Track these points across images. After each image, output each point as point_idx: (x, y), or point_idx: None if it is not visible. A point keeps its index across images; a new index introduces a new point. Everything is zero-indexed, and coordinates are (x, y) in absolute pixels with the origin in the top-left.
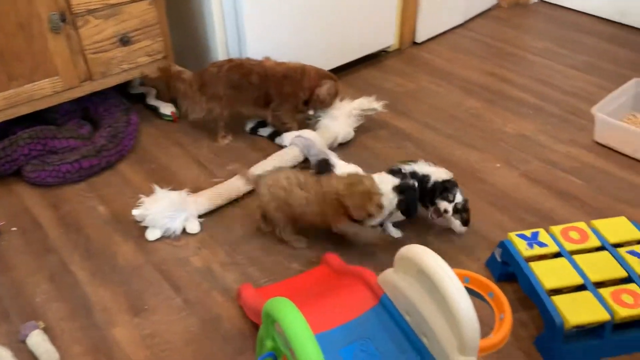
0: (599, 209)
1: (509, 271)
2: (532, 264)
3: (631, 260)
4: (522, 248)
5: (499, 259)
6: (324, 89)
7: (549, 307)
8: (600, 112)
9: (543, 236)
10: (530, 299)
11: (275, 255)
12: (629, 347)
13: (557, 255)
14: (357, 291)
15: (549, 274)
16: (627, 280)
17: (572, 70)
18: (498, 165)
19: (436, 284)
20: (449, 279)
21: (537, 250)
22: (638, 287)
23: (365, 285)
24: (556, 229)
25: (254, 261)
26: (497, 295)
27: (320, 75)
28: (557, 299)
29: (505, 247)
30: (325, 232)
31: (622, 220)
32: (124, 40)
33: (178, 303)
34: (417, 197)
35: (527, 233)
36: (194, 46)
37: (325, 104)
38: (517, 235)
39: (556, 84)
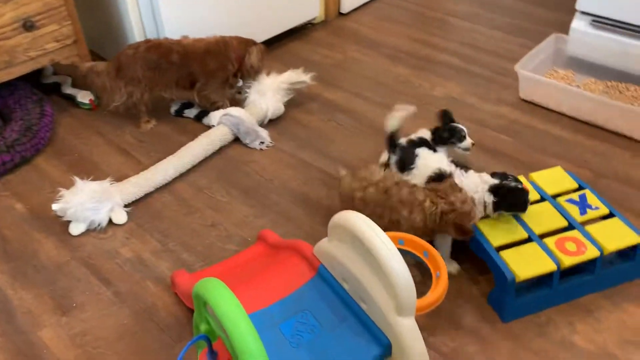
0: (527, 163)
1: None
2: (479, 223)
3: (570, 208)
4: None
5: None
6: (254, 56)
7: (499, 264)
8: (523, 69)
9: None
10: (480, 257)
11: (209, 238)
12: (575, 293)
13: None
14: (294, 264)
15: (496, 231)
16: (569, 228)
17: (495, 31)
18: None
19: (369, 248)
20: (382, 242)
21: None
22: (579, 233)
23: (302, 257)
24: None
25: (187, 246)
26: (431, 254)
27: (243, 43)
28: (506, 254)
29: None
30: (263, 211)
31: (558, 171)
32: (28, 26)
33: (109, 297)
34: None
35: None
36: (108, 29)
37: (258, 71)
38: None
39: (480, 45)
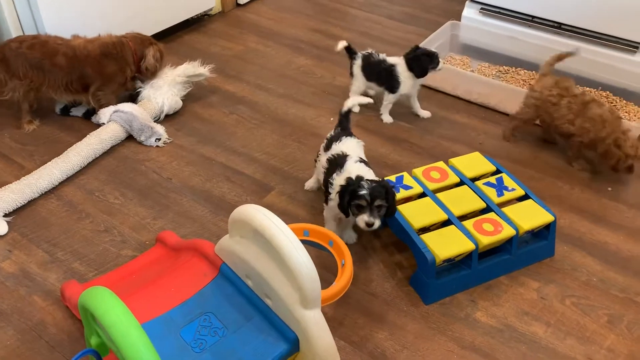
0: (426, 148)
1: None
2: (400, 207)
3: (488, 191)
4: None
5: None
6: (149, 58)
7: (420, 245)
8: None
9: (407, 179)
10: (402, 240)
11: (103, 245)
12: (494, 272)
13: (421, 195)
14: (195, 265)
15: (416, 214)
16: (486, 210)
17: (391, 21)
18: (332, 119)
19: (270, 241)
20: (283, 234)
21: (403, 193)
22: (496, 214)
23: (203, 257)
24: (418, 171)
25: (79, 255)
26: (336, 243)
27: (140, 43)
28: (426, 237)
29: None
30: (162, 212)
31: (476, 156)
32: None
33: None
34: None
35: (392, 178)
36: None
37: (154, 72)
38: None
39: (378, 35)
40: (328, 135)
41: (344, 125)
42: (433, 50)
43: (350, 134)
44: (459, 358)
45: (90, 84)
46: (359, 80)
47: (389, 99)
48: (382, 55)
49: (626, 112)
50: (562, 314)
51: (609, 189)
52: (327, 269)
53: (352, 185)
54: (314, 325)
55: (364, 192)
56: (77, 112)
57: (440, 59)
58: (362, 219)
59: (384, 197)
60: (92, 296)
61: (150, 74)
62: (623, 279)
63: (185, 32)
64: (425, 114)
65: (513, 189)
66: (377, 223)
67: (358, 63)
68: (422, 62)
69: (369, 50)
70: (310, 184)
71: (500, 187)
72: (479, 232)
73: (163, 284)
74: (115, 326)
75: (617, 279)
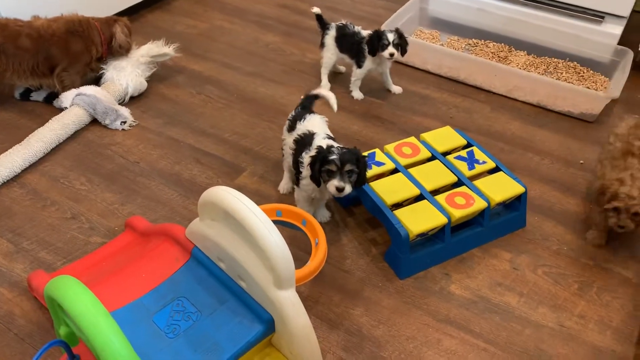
0: (398, 124)
1: (354, 196)
2: (373, 184)
3: (459, 164)
4: None
5: None
6: (119, 35)
7: (393, 221)
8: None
9: (379, 156)
10: (375, 217)
11: (70, 232)
12: (467, 245)
13: (394, 171)
14: (165, 250)
15: (389, 190)
16: (458, 183)
17: None
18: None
19: (241, 222)
20: (254, 215)
21: (376, 170)
22: (467, 188)
23: (174, 241)
24: (390, 147)
25: (45, 243)
26: (310, 222)
27: (106, 23)
28: (399, 212)
29: None
30: (130, 196)
31: (447, 130)
32: None
33: None
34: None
35: (364, 155)
36: None
37: (128, 48)
38: None
39: (346, 10)
40: (290, 115)
41: (307, 106)
42: (389, 36)
43: (312, 111)
44: (435, 331)
45: (56, 64)
46: (331, 51)
47: (356, 74)
48: (357, 28)
49: (593, 82)
50: (534, 284)
51: (581, 162)
52: (301, 249)
53: (323, 153)
54: (288, 305)
55: (333, 157)
56: (38, 96)
57: (390, 47)
58: (333, 184)
59: (354, 163)
60: (58, 286)
61: (125, 51)
62: (592, 247)
63: (148, 10)
64: (397, 89)
65: (484, 162)
66: (347, 188)
67: (332, 34)
68: (372, 41)
69: (343, 22)
70: (284, 185)
71: (471, 161)
72: (452, 205)
73: (133, 270)
74: (83, 315)
75: (586, 248)
